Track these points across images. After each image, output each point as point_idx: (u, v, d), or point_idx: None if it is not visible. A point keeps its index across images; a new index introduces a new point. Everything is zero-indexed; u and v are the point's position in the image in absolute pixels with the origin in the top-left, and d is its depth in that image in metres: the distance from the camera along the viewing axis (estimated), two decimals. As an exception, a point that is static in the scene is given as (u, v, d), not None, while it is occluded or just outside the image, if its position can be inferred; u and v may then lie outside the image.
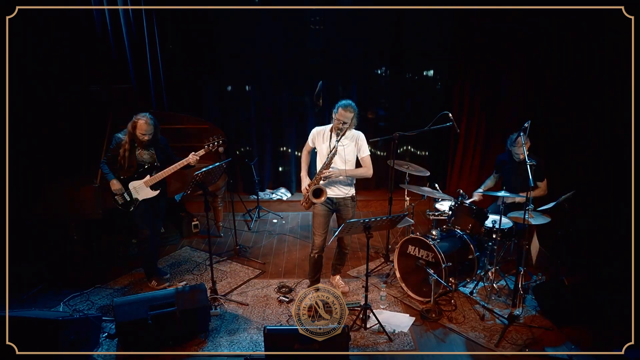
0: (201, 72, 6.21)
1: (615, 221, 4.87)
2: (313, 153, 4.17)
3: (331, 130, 3.96)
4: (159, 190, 4.19)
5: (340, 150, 3.87)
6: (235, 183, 6.53)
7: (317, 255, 4.10)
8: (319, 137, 4.03)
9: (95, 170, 4.55)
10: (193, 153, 4.08)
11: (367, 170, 3.99)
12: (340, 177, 3.90)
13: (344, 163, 3.95)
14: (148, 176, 4.11)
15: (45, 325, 3.24)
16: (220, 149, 5.21)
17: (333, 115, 3.87)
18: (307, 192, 3.94)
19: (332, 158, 3.84)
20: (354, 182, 4.07)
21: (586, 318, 3.76)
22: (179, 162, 4.09)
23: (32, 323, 3.25)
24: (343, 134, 3.81)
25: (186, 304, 3.56)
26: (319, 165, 3.99)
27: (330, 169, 3.87)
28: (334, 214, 4.13)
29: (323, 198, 3.88)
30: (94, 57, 5.43)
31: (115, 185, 4.08)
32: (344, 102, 3.84)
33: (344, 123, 3.79)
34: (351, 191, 4.05)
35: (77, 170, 4.93)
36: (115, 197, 4.13)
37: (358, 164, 4.03)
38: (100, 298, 4.26)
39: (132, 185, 4.11)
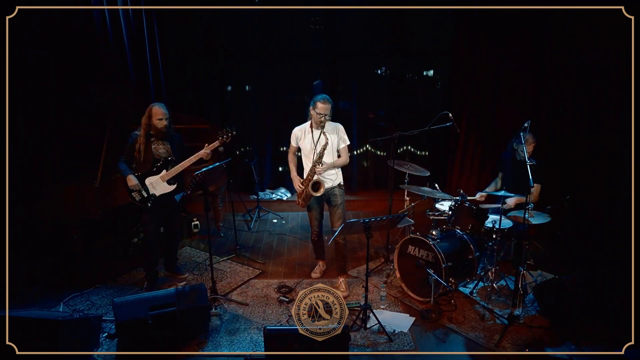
0: (201, 72, 6.22)
1: (614, 221, 4.88)
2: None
3: (311, 127, 4.11)
4: (175, 185, 4.18)
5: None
6: (235, 183, 6.53)
7: (316, 238, 4.46)
8: (301, 135, 4.17)
9: (95, 171, 4.55)
10: (207, 145, 4.09)
11: (346, 159, 4.19)
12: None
13: (331, 156, 4.10)
14: (164, 171, 4.11)
15: (45, 325, 3.24)
16: (220, 149, 5.22)
17: (311, 111, 4.02)
18: (304, 189, 4.09)
19: (324, 149, 3.97)
20: (340, 169, 4.22)
21: (586, 318, 3.76)
22: (194, 155, 4.10)
23: (32, 323, 3.25)
24: (324, 127, 3.95)
25: (186, 304, 3.56)
26: (306, 162, 4.15)
27: (322, 163, 4.00)
28: (325, 203, 4.30)
29: (322, 190, 4.01)
30: (94, 57, 5.43)
31: (131, 180, 4.04)
32: (320, 96, 3.99)
33: (325, 115, 3.94)
34: (339, 179, 4.21)
35: (77, 171, 4.93)
36: (132, 193, 4.09)
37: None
38: (100, 298, 4.26)
39: (149, 180, 4.10)
